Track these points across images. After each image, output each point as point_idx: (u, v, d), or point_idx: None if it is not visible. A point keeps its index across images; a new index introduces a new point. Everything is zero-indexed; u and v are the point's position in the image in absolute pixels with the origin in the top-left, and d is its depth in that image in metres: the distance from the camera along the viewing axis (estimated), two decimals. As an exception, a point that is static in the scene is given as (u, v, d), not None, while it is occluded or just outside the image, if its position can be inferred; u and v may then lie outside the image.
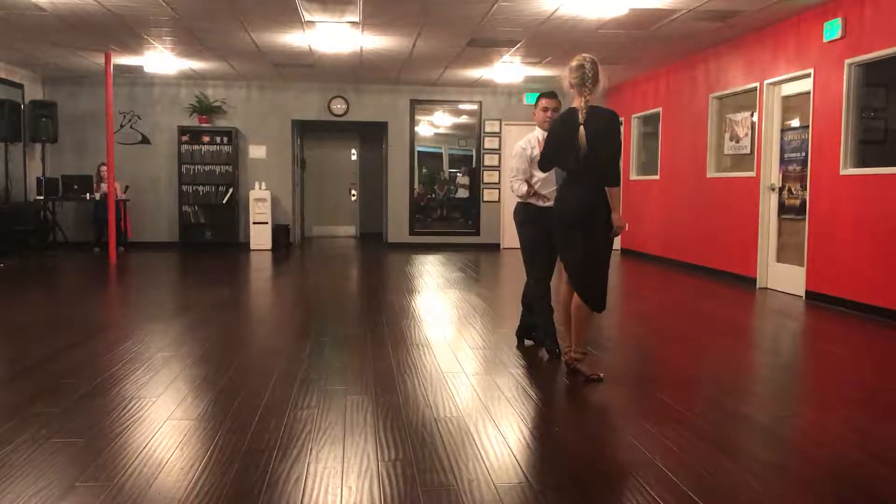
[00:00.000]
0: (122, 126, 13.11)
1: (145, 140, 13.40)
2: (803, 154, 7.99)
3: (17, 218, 11.65)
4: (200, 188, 13.42)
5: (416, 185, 14.42)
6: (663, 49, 9.92)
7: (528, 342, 5.55)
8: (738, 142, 9.42)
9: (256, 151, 13.70)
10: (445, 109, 14.67)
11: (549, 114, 5.08)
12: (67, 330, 6.10)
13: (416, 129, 14.28)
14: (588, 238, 4.54)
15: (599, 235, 4.54)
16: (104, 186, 11.77)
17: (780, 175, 8.48)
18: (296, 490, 2.90)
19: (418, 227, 14.42)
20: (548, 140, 4.81)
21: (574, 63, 4.53)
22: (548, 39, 9.36)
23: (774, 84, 8.54)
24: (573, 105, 4.55)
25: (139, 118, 13.36)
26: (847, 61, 7.20)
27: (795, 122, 8.33)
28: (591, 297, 4.61)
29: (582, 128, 4.42)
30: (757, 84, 8.80)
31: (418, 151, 14.44)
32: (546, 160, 4.80)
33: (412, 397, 4.18)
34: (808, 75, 7.84)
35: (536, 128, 5.22)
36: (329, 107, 13.79)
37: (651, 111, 11.99)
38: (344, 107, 13.83)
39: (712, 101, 9.96)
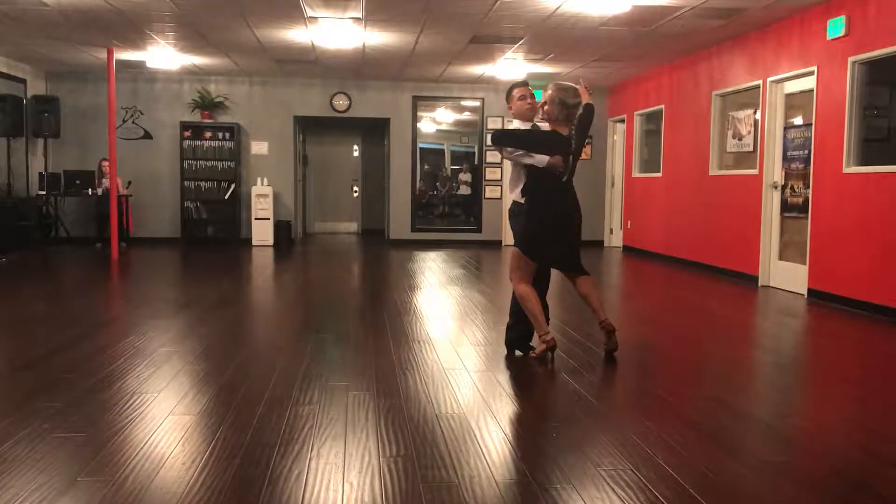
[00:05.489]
0: (124, 121, 13.11)
1: (147, 135, 13.40)
2: (806, 152, 7.98)
3: (18, 213, 11.64)
4: (202, 184, 13.42)
5: (418, 182, 14.41)
6: (666, 46, 9.90)
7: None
8: (740, 139, 9.41)
9: (258, 147, 13.69)
10: (448, 106, 14.66)
11: (528, 101, 5.01)
12: (69, 325, 6.10)
13: (419, 125, 14.26)
14: (579, 225, 5.09)
15: None
16: (106, 182, 11.76)
17: (783, 173, 8.47)
18: (297, 486, 2.90)
19: (420, 224, 14.41)
20: (537, 144, 4.84)
21: (557, 96, 4.80)
22: (551, 36, 9.34)
23: (777, 82, 8.52)
24: (556, 130, 4.85)
25: (141, 113, 13.36)
26: (850, 59, 7.18)
27: (798, 120, 8.31)
28: (584, 267, 5.09)
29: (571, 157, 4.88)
30: (760, 82, 8.78)
31: (420, 148, 14.42)
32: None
33: (414, 394, 4.18)
34: (811, 73, 7.82)
35: (515, 120, 5.07)
36: (331, 103, 13.78)
37: (653, 108, 11.97)
38: (346, 103, 13.82)
39: (715, 98, 9.94)
